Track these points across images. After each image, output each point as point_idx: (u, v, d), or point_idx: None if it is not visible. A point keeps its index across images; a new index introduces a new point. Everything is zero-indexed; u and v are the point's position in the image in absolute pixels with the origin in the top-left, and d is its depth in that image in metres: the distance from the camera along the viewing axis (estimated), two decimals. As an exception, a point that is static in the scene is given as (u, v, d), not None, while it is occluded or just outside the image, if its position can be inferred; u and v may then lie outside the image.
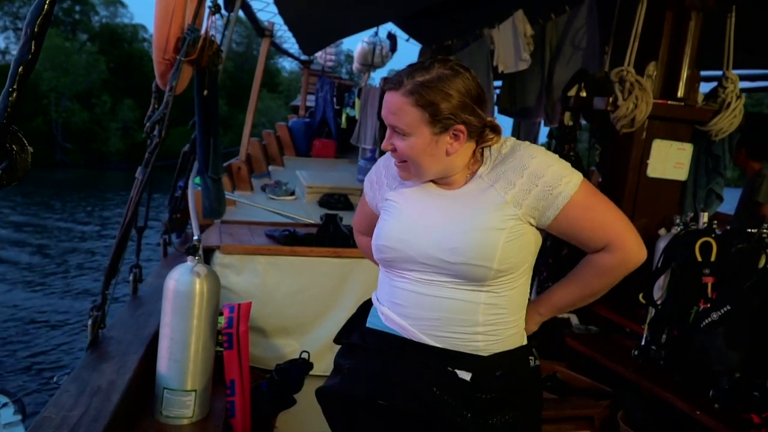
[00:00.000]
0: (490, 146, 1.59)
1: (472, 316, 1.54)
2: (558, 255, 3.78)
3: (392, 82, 1.52)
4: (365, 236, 1.95)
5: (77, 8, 42.16)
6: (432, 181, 1.63)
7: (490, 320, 1.55)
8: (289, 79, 48.76)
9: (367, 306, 1.82)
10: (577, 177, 1.53)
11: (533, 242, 1.58)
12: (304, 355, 2.91)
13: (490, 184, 1.55)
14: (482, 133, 1.56)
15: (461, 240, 1.50)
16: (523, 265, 1.58)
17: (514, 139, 1.63)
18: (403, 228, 1.60)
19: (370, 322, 1.73)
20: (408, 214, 1.62)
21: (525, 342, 1.67)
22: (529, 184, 1.51)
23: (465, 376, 1.55)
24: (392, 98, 1.52)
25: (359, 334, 1.74)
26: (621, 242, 1.60)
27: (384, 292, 1.68)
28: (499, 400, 1.56)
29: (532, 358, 1.69)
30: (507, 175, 1.54)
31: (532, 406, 1.69)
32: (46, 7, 1.04)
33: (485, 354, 1.56)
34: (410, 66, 1.54)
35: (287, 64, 50.61)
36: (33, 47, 1.05)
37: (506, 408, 1.57)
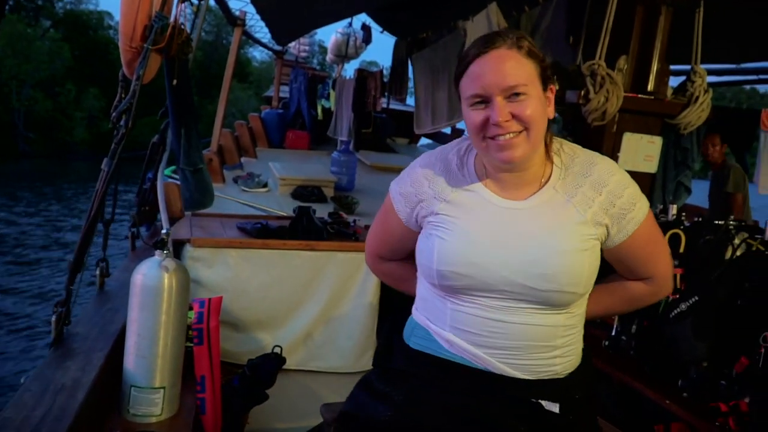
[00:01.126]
0: (558, 151, 1.46)
1: (552, 341, 1.41)
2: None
3: (489, 42, 1.33)
4: (387, 261, 1.74)
5: (40, -7, 41.28)
6: (495, 185, 1.44)
7: (567, 341, 1.44)
8: (260, 69, 48.33)
9: (397, 322, 1.63)
10: (646, 204, 1.45)
11: (600, 260, 1.47)
12: (277, 350, 2.89)
13: (567, 199, 1.40)
14: None
15: (550, 265, 1.34)
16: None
17: (575, 144, 1.50)
18: (475, 250, 1.38)
19: (421, 345, 1.51)
20: (476, 231, 1.41)
21: (582, 351, 1.56)
22: (607, 203, 1.40)
23: (552, 407, 1.42)
24: (503, 54, 1.31)
25: (405, 358, 1.53)
26: (664, 279, 1.56)
27: (441, 314, 1.46)
28: (577, 418, 1.47)
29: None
30: (584, 191, 1.40)
31: (593, 409, 1.61)
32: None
33: (561, 376, 1.44)
34: (485, 36, 1.37)
35: (258, 54, 50.21)
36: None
37: (582, 424, 1.50)
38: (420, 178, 1.51)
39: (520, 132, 1.33)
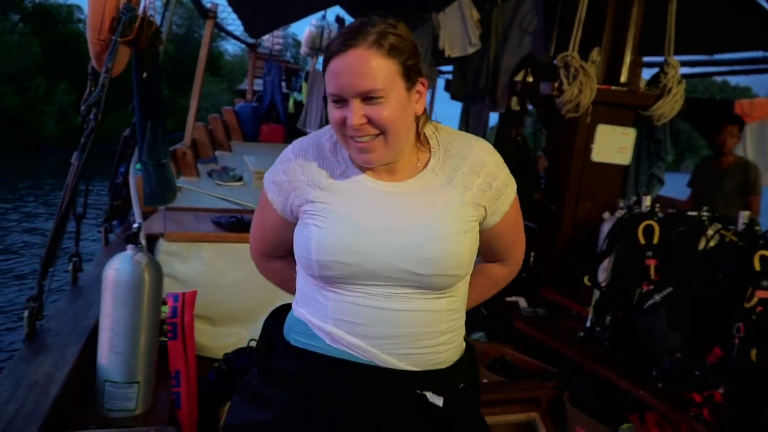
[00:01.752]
0: (434, 135, 1.42)
1: (437, 326, 1.36)
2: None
3: (347, 39, 1.26)
4: (272, 260, 1.63)
5: (8, -13, 40.44)
6: (367, 172, 1.38)
7: (451, 327, 1.40)
8: (232, 63, 47.93)
9: (279, 317, 1.53)
10: (515, 186, 1.44)
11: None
12: (253, 344, 2.86)
13: (447, 181, 1.37)
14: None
15: (434, 249, 1.31)
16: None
17: (450, 127, 1.48)
18: (356, 236, 1.32)
19: (302, 342, 1.42)
20: (355, 218, 1.34)
21: (464, 342, 1.52)
22: (485, 185, 1.38)
23: (436, 400, 1.37)
24: (358, 56, 1.24)
25: (288, 357, 1.43)
26: (518, 260, 1.60)
27: (321, 307, 1.38)
28: (460, 409, 1.44)
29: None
30: (463, 172, 1.37)
31: (476, 399, 1.57)
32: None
33: (445, 366, 1.40)
34: (351, 27, 1.29)
35: (230, 47, 49.73)
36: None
37: (465, 414, 1.47)
38: (292, 165, 1.42)
39: (377, 135, 1.27)
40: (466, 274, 1.39)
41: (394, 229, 1.32)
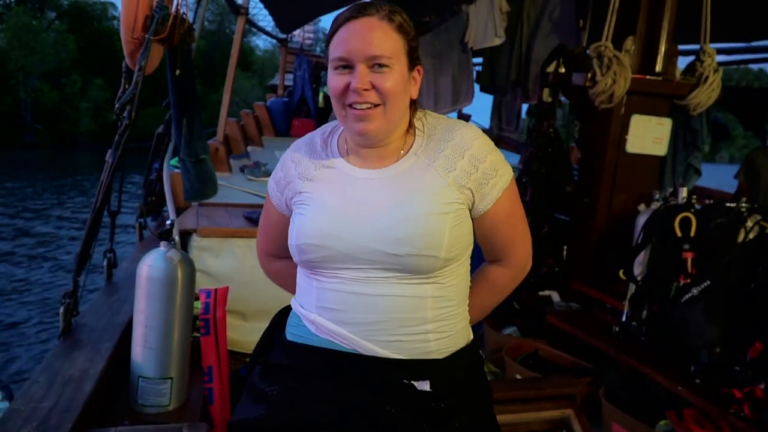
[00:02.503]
0: (421, 120, 1.44)
1: (421, 313, 1.35)
2: (539, 233, 3.78)
3: (362, 8, 1.31)
4: (278, 260, 1.65)
5: (45, -15, 41.23)
6: (358, 159, 1.41)
7: (440, 315, 1.38)
8: (263, 58, 48.31)
9: (283, 315, 1.56)
10: (509, 172, 1.42)
11: (472, 228, 1.43)
12: (284, 339, 2.88)
13: (428, 164, 1.37)
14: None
15: (406, 228, 1.31)
16: (467, 251, 1.43)
17: (440, 115, 1.49)
18: (331, 220, 1.35)
19: (294, 335, 1.45)
20: (332, 203, 1.38)
21: (472, 335, 1.51)
22: (470, 167, 1.36)
23: (424, 386, 1.36)
24: (371, 23, 1.29)
25: (282, 351, 1.46)
26: (521, 261, 1.54)
27: (309, 296, 1.41)
28: (457, 403, 1.40)
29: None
30: (446, 154, 1.37)
31: (485, 400, 1.53)
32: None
33: (439, 357, 1.38)
34: (360, 3, 1.34)
35: (261, 43, 50.21)
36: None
37: (465, 410, 1.43)
38: (288, 162, 1.49)
39: (377, 105, 1.30)
40: (449, 258, 1.35)
41: (369, 211, 1.34)
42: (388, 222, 1.32)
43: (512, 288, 1.59)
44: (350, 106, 1.31)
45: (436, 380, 1.37)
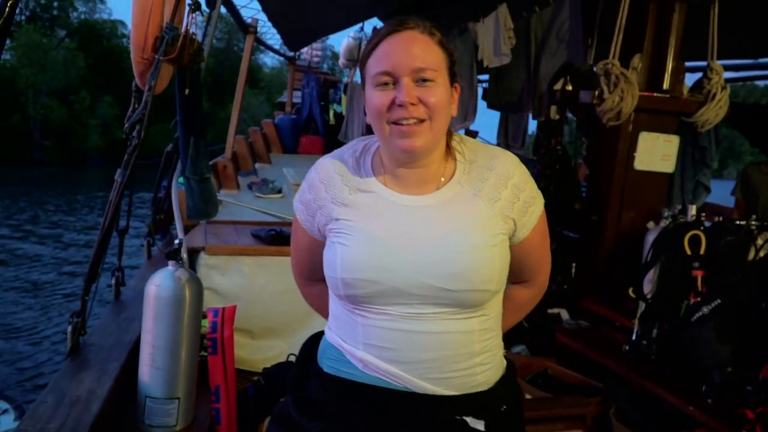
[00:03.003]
0: (460, 146, 1.39)
1: (470, 348, 1.31)
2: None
3: (404, 22, 1.28)
4: (314, 283, 1.58)
5: (55, 4, 41.71)
6: (395, 183, 1.35)
7: (485, 347, 1.35)
8: (271, 75, 48.60)
9: (314, 343, 1.51)
10: (542, 199, 1.40)
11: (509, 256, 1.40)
12: (292, 358, 2.86)
13: (473, 193, 1.33)
14: None
15: (460, 262, 1.26)
16: (506, 279, 1.39)
17: (474, 139, 1.46)
18: (379, 252, 1.28)
19: (335, 369, 1.38)
20: (379, 233, 1.30)
21: (506, 362, 1.47)
22: (513, 197, 1.34)
23: (477, 424, 1.33)
24: (415, 36, 1.26)
25: (321, 385, 1.40)
26: (544, 281, 1.55)
27: (352, 332, 1.35)
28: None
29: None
30: (490, 184, 1.33)
31: (520, 420, 1.51)
32: (7, 10, 0.98)
33: (485, 388, 1.35)
34: (400, 18, 1.30)
35: (268, 60, 50.45)
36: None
37: None
38: (316, 183, 1.40)
39: (423, 121, 1.26)
40: (497, 290, 1.34)
41: (419, 243, 1.28)
42: (441, 255, 1.27)
43: (533, 307, 1.59)
44: (395, 122, 1.26)
45: (488, 416, 1.35)
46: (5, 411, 3.86)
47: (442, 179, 1.35)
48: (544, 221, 1.42)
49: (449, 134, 1.37)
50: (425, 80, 1.25)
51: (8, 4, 1.03)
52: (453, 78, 1.32)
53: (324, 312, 1.54)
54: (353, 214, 1.34)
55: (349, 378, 1.35)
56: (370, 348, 1.32)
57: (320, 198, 1.39)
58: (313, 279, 1.58)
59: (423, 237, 1.29)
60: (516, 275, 1.49)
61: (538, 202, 1.38)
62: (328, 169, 1.40)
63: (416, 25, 1.27)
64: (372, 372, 1.32)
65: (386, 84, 1.26)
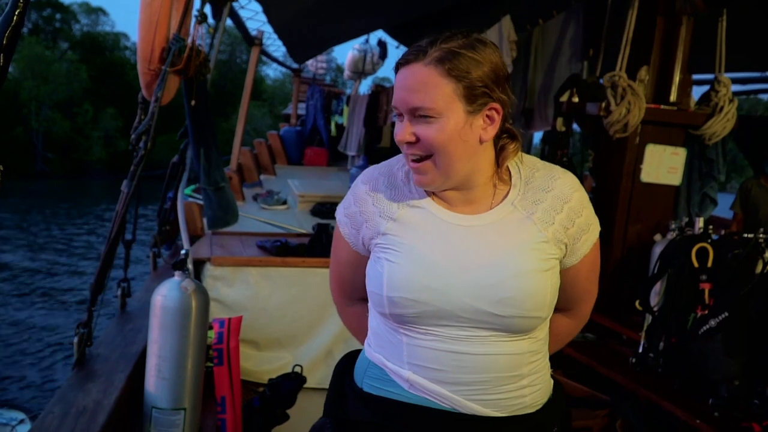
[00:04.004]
0: (517, 165, 1.32)
1: (519, 370, 1.28)
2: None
3: (410, 54, 1.20)
4: (355, 303, 1.52)
5: (58, 16, 41.92)
6: (444, 201, 1.30)
7: (533, 369, 1.31)
8: (273, 87, 48.73)
9: (349, 361, 1.46)
10: (598, 226, 1.34)
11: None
12: (297, 369, 2.85)
13: (527, 215, 1.27)
14: (500, 135, 1.28)
15: (512, 288, 1.22)
16: None
17: (535, 157, 1.37)
18: (429, 273, 1.24)
19: (377, 388, 1.34)
20: (428, 253, 1.25)
21: (552, 381, 1.43)
22: (567, 222, 1.28)
23: None
24: (413, 72, 1.18)
25: (362, 405, 1.35)
26: (587, 312, 1.49)
27: (396, 351, 1.30)
28: None
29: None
30: (545, 207, 1.28)
31: None
32: (15, 18, 0.97)
33: (533, 410, 1.31)
34: (423, 41, 1.22)
35: (271, 72, 50.63)
36: (2, 60, 0.98)
37: None
38: (363, 195, 1.35)
39: (425, 158, 1.21)
40: (548, 316, 1.30)
41: (469, 266, 1.24)
42: (492, 279, 1.22)
43: (571, 338, 1.52)
44: (407, 155, 1.25)
45: None
46: (22, 421, 3.86)
47: (496, 196, 1.30)
48: (596, 251, 1.36)
49: (502, 153, 1.29)
50: (425, 116, 1.19)
51: (16, 13, 1.03)
52: (481, 99, 1.20)
53: (360, 336, 1.50)
54: (402, 229, 1.29)
55: (393, 398, 1.31)
56: (416, 368, 1.28)
57: (367, 211, 1.34)
58: (354, 298, 1.52)
59: (473, 259, 1.24)
60: (558, 302, 1.41)
61: (593, 230, 1.32)
62: (376, 182, 1.35)
63: (424, 55, 1.18)
64: (418, 392, 1.28)
65: (399, 115, 1.24)
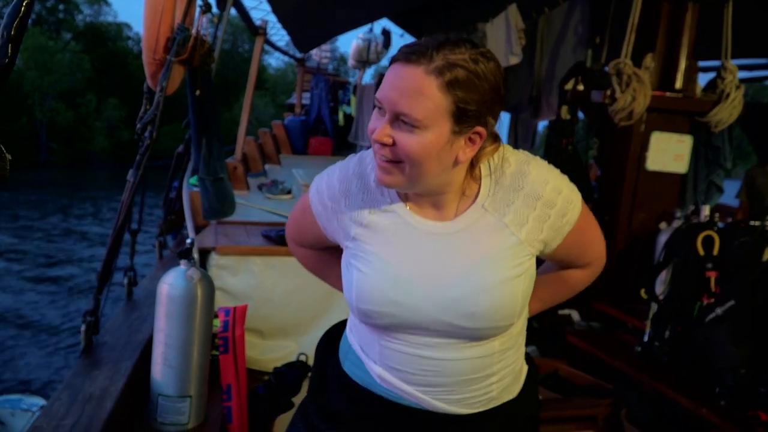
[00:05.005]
0: (488, 161, 1.26)
1: (487, 370, 1.29)
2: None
3: (414, 53, 1.11)
4: (305, 248, 1.57)
5: (61, 7, 41.84)
6: (415, 204, 1.27)
7: (504, 365, 1.32)
8: (276, 77, 48.60)
9: (331, 339, 1.51)
10: (578, 198, 1.29)
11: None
12: (302, 357, 2.86)
13: (498, 219, 1.24)
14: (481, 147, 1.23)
15: (481, 301, 1.21)
16: None
17: (510, 149, 1.31)
18: (396, 287, 1.23)
19: (356, 375, 1.39)
20: (396, 263, 1.25)
21: (526, 367, 1.45)
22: (543, 216, 1.25)
23: None
24: (412, 75, 1.10)
25: (341, 392, 1.41)
26: (600, 261, 1.46)
27: (371, 347, 1.33)
28: None
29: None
30: (517, 207, 1.24)
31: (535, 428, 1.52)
32: (23, 9, 0.98)
33: (501, 402, 1.34)
34: (433, 38, 1.13)
35: (273, 61, 50.47)
36: (10, 51, 0.98)
37: None
38: (336, 194, 1.33)
39: (397, 162, 1.16)
40: (521, 318, 1.30)
41: (438, 279, 1.23)
42: (460, 292, 1.21)
43: (586, 285, 1.51)
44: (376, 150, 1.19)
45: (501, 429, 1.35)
46: (42, 407, 3.90)
47: (466, 199, 1.27)
48: (584, 220, 1.32)
49: (477, 155, 1.23)
50: (407, 123, 1.12)
51: (24, 3, 1.02)
52: (468, 122, 1.14)
53: (315, 273, 1.60)
54: (371, 236, 1.28)
55: (368, 387, 1.35)
56: (388, 368, 1.30)
57: (339, 210, 1.33)
58: (305, 246, 1.56)
59: (442, 271, 1.23)
60: (562, 264, 1.44)
61: (573, 207, 1.27)
62: (349, 183, 1.32)
63: (425, 59, 1.10)
64: (389, 386, 1.32)
65: (381, 109, 1.17)
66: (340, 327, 1.52)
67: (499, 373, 1.32)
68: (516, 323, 1.30)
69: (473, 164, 1.25)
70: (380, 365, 1.31)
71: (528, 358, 1.47)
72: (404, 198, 1.28)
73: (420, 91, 1.10)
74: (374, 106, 1.19)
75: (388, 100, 1.13)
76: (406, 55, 1.12)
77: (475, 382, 1.29)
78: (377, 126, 1.16)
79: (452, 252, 1.24)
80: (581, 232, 1.32)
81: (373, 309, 1.25)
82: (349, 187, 1.32)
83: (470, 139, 1.17)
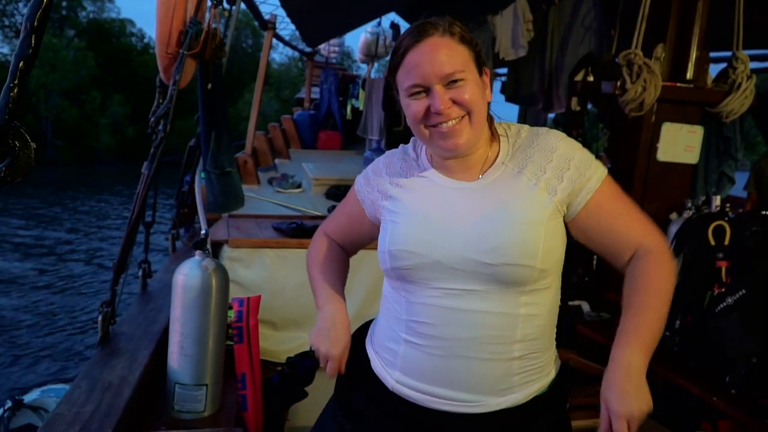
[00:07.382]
0: (504, 130, 1.43)
1: (510, 331, 1.33)
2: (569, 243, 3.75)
3: (419, 33, 1.30)
4: (330, 239, 1.71)
5: (64, 4, 41.73)
6: (445, 169, 1.42)
7: (528, 335, 1.35)
8: (279, 72, 48.46)
9: (361, 341, 1.62)
10: (601, 167, 1.38)
11: (565, 238, 1.38)
12: (315, 348, 2.89)
13: (517, 171, 1.36)
14: None
15: (501, 237, 1.28)
16: (560, 264, 1.38)
17: (526, 125, 1.46)
18: (424, 227, 1.36)
19: (378, 366, 1.52)
20: (426, 212, 1.38)
21: (554, 372, 1.49)
22: (561, 167, 1.33)
23: None
24: (434, 44, 1.28)
25: (362, 390, 1.53)
26: (654, 244, 1.40)
27: (398, 311, 1.44)
28: None
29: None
30: (534, 159, 1.35)
31: None
32: (45, 1, 1.01)
33: (520, 396, 1.38)
34: (416, 25, 1.33)
35: (277, 56, 50.33)
36: (33, 41, 1.01)
37: None
38: (380, 166, 1.54)
39: (462, 117, 1.31)
40: (543, 269, 1.31)
41: (462, 220, 1.34)
42: (481, 230, 1.31)
43: (671, 278, 1.42)
44: (434, 126, 1.32)
45: None
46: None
47: (488, 160, 1.41)
48: (611, 185, 1.38)
49: (491, 120, 1.42)
50: (455, 81, 1.29)
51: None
52: (481, 66, 1.36)
53: (310, 262, 1.71)
54: (406, 194, 1.44)
55: (386, 384, 1.46)
56: (412, 325, 1.39)
57: (380, 180, 1.51)
58: (331, 237, 1.72)
59: (466, 214, 1.34)
60: (616, 254, 1.42)
61: (595, 169, 1.36)
62: (392, 156, 1.54)
63: (435, 29, 1.30)
64: (403, 388, 1.42)
65: (419, 92, 1.32)
66: (366, 326, 1.67)
67: (522, 343, 1.35)
68: (539, 286, 1.34)
69: (489, 123, 1.42)
70: (405, 330, 1.41)
71: (565, 371, 1.54)
72: (437, 165, 1.44)
73: (450, 48, 1.29)
74: (410, 94, 1.33)
75: (428, 74, 1.29)
76: (418, 35, 1.30)
77: (497, 340, 1.33)
78: (429, 102, 1.30)
79: (477, 200, 1.36)
80: (609, 200, 1.37)
81: (401, 249, 1.36)
82: (391, 161, 1.53)
83: (484, 82, 1.36)
